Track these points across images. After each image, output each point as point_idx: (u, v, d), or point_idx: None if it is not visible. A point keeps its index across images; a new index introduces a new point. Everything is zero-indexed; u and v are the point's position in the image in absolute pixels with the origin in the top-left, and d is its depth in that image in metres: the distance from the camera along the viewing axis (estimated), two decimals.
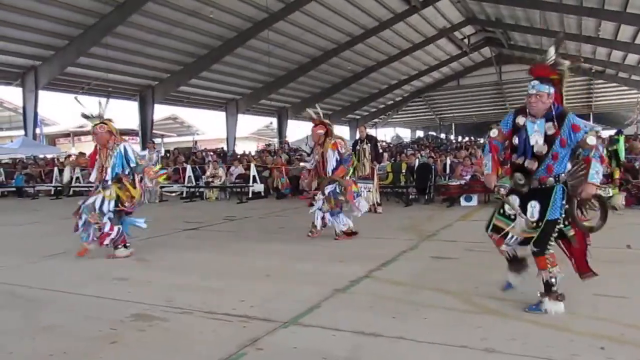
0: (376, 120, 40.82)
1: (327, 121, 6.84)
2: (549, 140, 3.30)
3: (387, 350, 2.91)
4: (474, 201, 10.38)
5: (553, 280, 3.34)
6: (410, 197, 11.39)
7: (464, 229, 7.41)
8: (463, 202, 10.35)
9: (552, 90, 3.29)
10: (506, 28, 26.16)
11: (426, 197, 11.46)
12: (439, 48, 29.22)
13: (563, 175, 3.34)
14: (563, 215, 3.35)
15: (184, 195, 14.74)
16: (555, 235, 3.37)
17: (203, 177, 14.95)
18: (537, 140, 3.32)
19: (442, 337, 3.01)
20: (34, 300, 4.12)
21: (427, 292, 4.03)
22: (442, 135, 39.81)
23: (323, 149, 6.56)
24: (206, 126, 38.75)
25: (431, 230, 7.32)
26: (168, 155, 19.81)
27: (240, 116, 28.45)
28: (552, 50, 3.40)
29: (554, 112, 3.29)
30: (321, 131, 6.60)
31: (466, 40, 28.64)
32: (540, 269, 3.38)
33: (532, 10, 21.25)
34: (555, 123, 3.27)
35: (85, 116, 5.70)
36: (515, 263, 3.60)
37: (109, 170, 5.58)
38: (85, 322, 3.51)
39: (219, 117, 28.84)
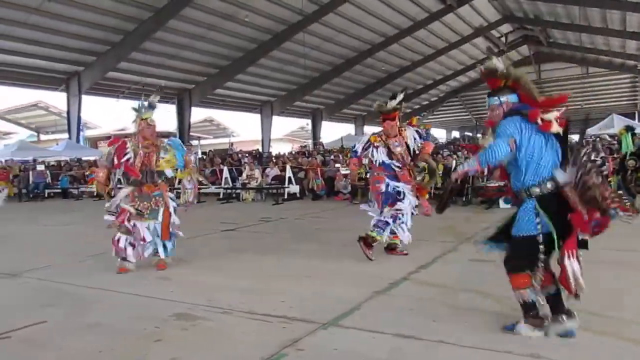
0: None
1: (399, 108, 5.75)
2: None
3: (429, 353, 2.88)
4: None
5: (523, 301, 3.03)
6: None
7: None
8: (502, 204, 10.13)
9: (504, 99, 3.11)
10: (545, 25, 25.47)
11: (464, 198, 11.28)
12: (475, 47, 28.69)
13: (536, 188, 2.97)
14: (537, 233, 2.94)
15: (221, 196, 14.98)
16: (530, 254, 2.97)
17: (239, 178, 15.15)
18: None
19: (485, 342, 2.95)
20: (80, 298, 4.27)
21: (468, 295, 3.97)
22: (479, 136, 38.99)
23: (402, 136, 5.70)
24: (241, 128, 39.14)
25: (470, 232, 7.19)
26: (204, 157, 20.17)
27: (274, 118, 28.69)
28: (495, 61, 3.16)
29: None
30: (394, 122, 5.68)
31: (503, 39, 28.03)
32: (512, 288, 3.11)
33: (572, 6, 20.61)
34: None
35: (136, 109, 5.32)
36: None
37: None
38: (130, 320, 3.60)
39: (254, 119, 29.16)
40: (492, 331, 3.14)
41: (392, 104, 5.64)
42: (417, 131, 5.75)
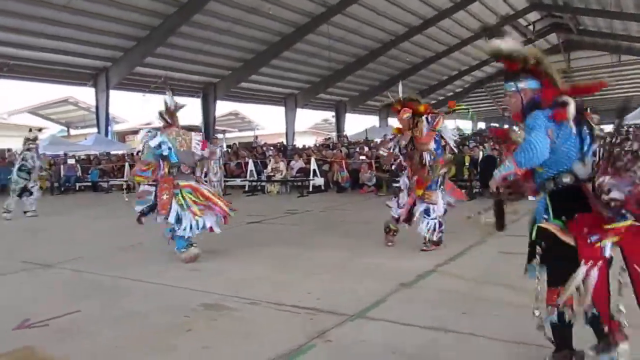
0: (436, 112, 39.91)
1: (412, 98, 5.55)
2: None
3: (460, 346, 2.86)
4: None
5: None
6: (474, 190, 11.09)
7: None
8: (530, 197, 9.94)
9: (522, 85, 2.65)
10: (575, 12, 24.76)
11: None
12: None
13: (549, 182, 2.60)
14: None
15: (246, 188, 15.10)
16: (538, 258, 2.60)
17: (265, 171, 15.24)
18: None
19: (515, 335, 2.92)
20: (112, 288, 4.37)
21: (497, 288, 3.91)
22: (515, 128, 38.12)
23: (418, 130, 5.39)
24: (266, 121, 39.33)
25: None
26: (229, 150, 20.35)
27: (298, 110, 28.71)
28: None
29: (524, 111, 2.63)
30: (408, 114, 5.39)
31: (531, 27, 27.37)
32: None
33: None
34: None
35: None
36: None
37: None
38: (160, 310, 3.67)
39: (279, 112, 29.25)
40: (523, 324, 3.08)
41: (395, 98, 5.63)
42: (426, 118, 5.44)
